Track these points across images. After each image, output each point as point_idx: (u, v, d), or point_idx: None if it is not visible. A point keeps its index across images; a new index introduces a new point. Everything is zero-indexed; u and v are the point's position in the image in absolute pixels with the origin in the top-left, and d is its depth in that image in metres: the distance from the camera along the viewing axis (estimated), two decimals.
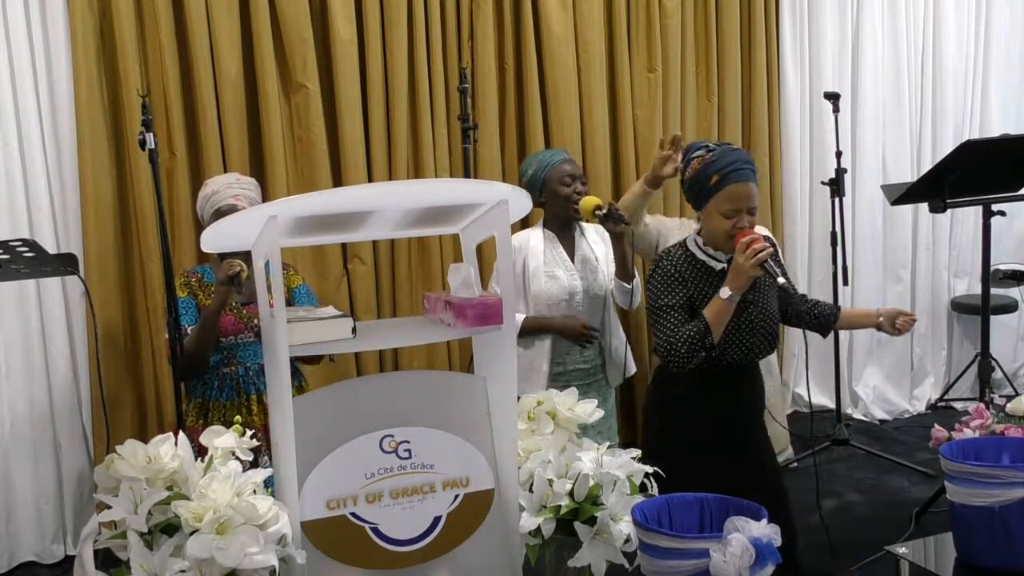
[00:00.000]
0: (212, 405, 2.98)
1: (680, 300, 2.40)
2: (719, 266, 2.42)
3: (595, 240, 3.26)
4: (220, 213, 2.86)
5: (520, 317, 3.13)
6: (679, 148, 3.38)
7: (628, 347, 3.34)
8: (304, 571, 1.60)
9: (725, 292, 2.33)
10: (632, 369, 3.38)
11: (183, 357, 2.83)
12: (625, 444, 3.04)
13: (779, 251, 2.66)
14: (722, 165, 2.36)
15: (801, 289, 5.10)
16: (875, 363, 5.40)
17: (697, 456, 2.45)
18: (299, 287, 3.09)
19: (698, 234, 2.49)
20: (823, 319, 2.72)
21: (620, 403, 4.01)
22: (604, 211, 3.00)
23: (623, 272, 3.12)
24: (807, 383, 3.25)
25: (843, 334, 5.04)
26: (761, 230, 3.45)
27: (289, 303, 3.01)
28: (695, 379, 2.43)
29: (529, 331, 3.13)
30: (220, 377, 2.98)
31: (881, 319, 2.69)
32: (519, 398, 1.96)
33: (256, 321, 2.98)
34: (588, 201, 3.08)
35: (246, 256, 2.75)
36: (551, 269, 3.17)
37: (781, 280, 2.32)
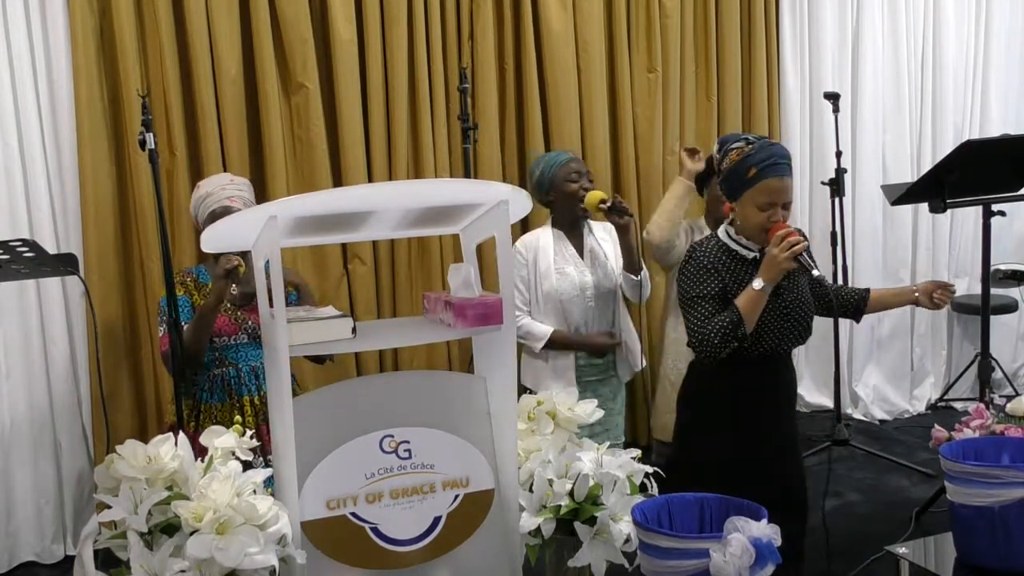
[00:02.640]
0: (203, 407, 2.97)
1: (713, 290, 2.41)
2: (751, 255, 2.44)
3: (603, 237, 3.29)
4: (215, 215, 2.85)
5: (548, 330, 3.16)
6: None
7: (639, 342, 3.35)
8: (304, 571, 1.61)
9: (758, 283, 2.34)
10: (641, 364, 3.39)
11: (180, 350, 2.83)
12: (627, 444, 3.06)
13: (810, 245, 2.66)
14: (761, 158, 2.39)
15: None
16: (875, 363, 5.40)
17: (727, 442, 2.46)
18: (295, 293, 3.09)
19: (730, 224, 2.50)
20: (854, 304, 2.72)
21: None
22: (609, 204, 3.04)
23: (630, 265, 3.15)
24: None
25: (843, 334, 5.04)
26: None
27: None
28: (730, 368, 2.45)
29: (556, 345, 3.18)
30: (211, 379, 2.97)
31: (918, 295, 2.68)
32: (524, 394, 1.97)
33: (250, 323, 2.98)
34: (593, 195, 3.11)
35: (243, 254, 2.77)
36: (561, 266, 3.19)
37: (816, 272, 2.35)
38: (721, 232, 2.51)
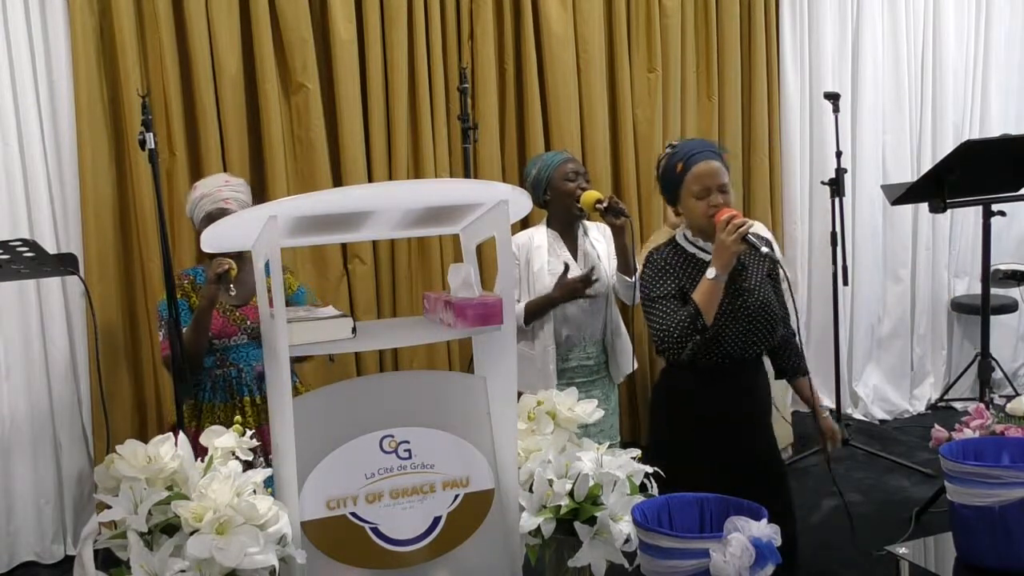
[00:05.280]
0: (205, 407, 2.98)
1: (671, 290, 2.44)
2: (708, 257, 2.45)
3: (597, 238, 3.28)
4: (210, 217, 2.85)
5: (519, 305, 3.12)
6: None
7: (631, 344, 3.35)
8: (304, 571, 1.60)
9: (711, 272, 2.36)
10: (633, 366, 3.38)
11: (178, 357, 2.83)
12: (626, 444, 3.05)
13: (775, 247, 2.66)
14: (684, 153, 2.47)
15: (801, 290, 5.10)
16: (875, 363, 5.40)
17: (701, 451, 2.46)
18: (298, 289, 3.09)
19: (685, 227, 2.54)
20: (786, 366, 2.70)
21: (622, 401, 4.00)
22: (605, 204, 3.02)
23: (625, 266, 3.13)
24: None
25: (843, 332, 5.04)
26: (761, 229, 3.46)
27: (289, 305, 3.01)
28: (699, 373, 2.46)
29: (533, 315, 3.12)
30: (213, 379, 2.97)
31: (821, 422, 2.67)
32: (519, 396, 1.96)
33: (249, 322, 2.98)
34: (589, 195, 3.09)
35: (237, 255, 2.77)
36: (555, 267, 3.18)
37: (765, 249, 2.36)
38: (678, 236, 2.55)
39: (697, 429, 2.49)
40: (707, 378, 2.47)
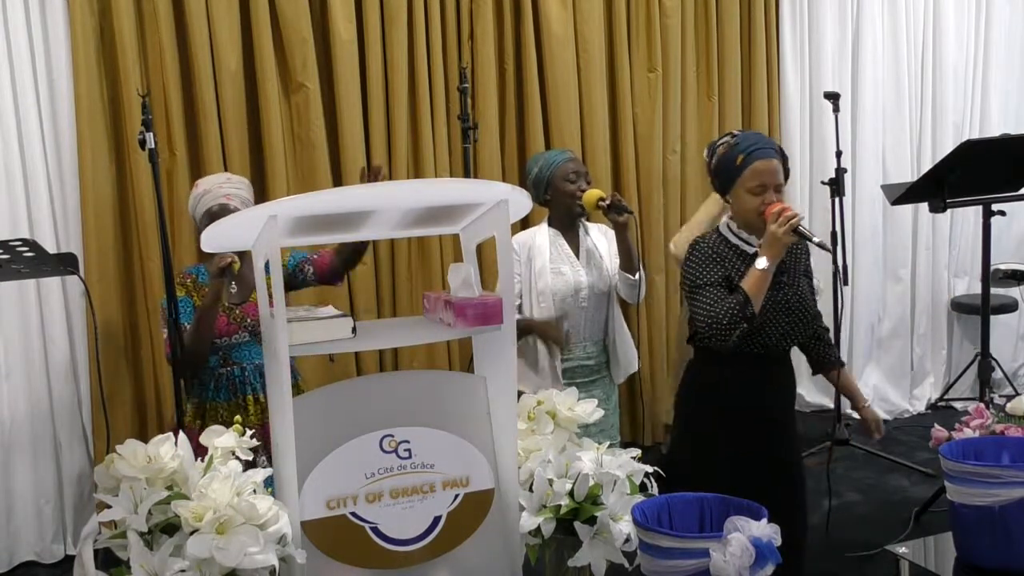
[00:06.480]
0: (209, 406, 2.97)
1: (717, 277, 2.45)
2: (752, 249, 2.48)
3: (598, 237, 3.28)
4: (211, 213, 2.84)
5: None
6: None
7: (634, 344, 3.35)
8: (304, 571, 1.60)
9: (762, 262, 2.37)
10: (636, 366, 3.38)
11: (182, 354, 2.83)
12: (626, 444, 3.05)
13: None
14: (746, 146, 2.46)
15: None
16: (875, 363, 5.41)
17: (725, 442, 2.48)
18: (291, 256, 3.07)
19: (730, 219, 2.55)
20: (819, 359, 2.77)
21: (622, 401, 4.00)
22: (607, 202, 3.02)
23: (628, 264, 3.13)
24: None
25: (843, 332, 5.04)
26: None
27: (293, 278, 3.03)
28: (729, 364, 2.47)
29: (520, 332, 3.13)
30: (217, 378, 2.97)
31: (864, 412, 2.78)
32: (520, 396, 1.97)
33: (250, 320, 2.97)
34: (591, 194, 3.09)
35: (237, 252, 2.76)
36: (557, 265, 3.18)
37: (816, 239, 2.38)
38: (722, 226, 2.56)
39: (724, 421, 2.51)
40: (740, 369, 2.49)
